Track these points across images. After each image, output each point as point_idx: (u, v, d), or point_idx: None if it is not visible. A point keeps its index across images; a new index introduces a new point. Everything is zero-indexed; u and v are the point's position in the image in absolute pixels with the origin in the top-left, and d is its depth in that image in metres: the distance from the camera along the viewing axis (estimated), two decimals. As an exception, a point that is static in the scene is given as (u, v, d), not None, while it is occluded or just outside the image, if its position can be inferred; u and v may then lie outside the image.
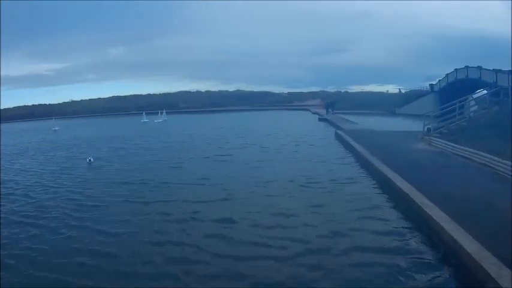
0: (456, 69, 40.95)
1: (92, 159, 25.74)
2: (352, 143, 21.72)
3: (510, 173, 12.05)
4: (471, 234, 7.46)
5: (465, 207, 9.37)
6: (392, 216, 10.88)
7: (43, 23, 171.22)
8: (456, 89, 37.45)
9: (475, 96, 26.00)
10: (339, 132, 28.22)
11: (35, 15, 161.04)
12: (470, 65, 36.31)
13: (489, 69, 30.46)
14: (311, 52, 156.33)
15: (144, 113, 71.45)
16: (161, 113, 72.40)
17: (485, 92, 25.56)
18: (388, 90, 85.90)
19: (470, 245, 7.06)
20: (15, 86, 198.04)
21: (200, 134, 38.45)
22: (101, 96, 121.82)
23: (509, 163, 12.29)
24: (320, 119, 48.20)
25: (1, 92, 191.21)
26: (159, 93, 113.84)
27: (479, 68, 33.33)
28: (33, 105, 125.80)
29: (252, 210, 12.10)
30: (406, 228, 9.93)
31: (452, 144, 17.51)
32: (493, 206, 9.35)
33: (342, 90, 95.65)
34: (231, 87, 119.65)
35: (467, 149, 15.95)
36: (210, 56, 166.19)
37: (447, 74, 44.76)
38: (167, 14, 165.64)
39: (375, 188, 14.22)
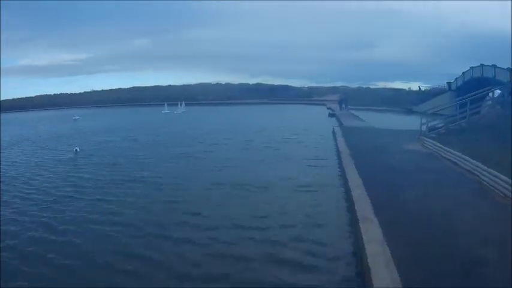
0: (472, 68, 38.25)
1: (78, 149, 25.49)
2: (339, 141, 19.88)
3: (494, 184, 10.14)
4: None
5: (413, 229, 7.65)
6: (332, 238, 8.95)
7: (67, 14, 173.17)
8: (471, 87, 34.78)
9: (479, 95, 23.49)
10: (336, 129, 26.27)
11: (59, 6, 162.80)
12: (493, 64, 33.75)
13: (503, 68, 28.02)
14: (338, 47, 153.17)
15: (166, 104, 71.42)
16: (181, 105, 72.65)
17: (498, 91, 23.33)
18: (410, 88, 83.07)
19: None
20: (38, 75, 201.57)
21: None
22: (122, 87, 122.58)
23: (495, 172, 10.34)
24: (330, 115, 46.11)
25: (24, 81, 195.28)
26: (179, 85, 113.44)
27: (494, 66, 30.74)
28: (54, 94, 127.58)
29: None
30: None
31: (441, 146, 15.47)
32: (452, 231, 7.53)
33: (364, 86, 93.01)
34: (256, 80, 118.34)
35: (454, 152, 13.92)
36: (235, 49, 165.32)
37: (463, 72, 41.96)
38: (193, 5, 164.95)
39: (338, 197, 12.10)
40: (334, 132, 25.21)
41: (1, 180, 17.86)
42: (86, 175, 17.76)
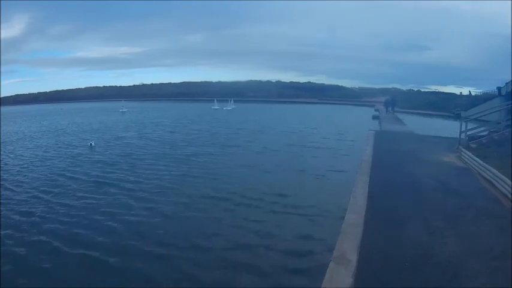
0: (526, 72, 34.26)
1: (93, 143, 25.35)
2: (367, 148, 17.41)
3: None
4: None
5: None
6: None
7: (123, 7, 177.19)
8: (524, 93, 30.93)
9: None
10: (370, 133, 23.63)
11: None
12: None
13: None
14: (393, 48, 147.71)
15: (215, 100, 72.14)
16: (230, 101, 72.27)
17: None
18: (461, 92, 78.04)
19: None
20: (91, 67, 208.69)
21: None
22: (172, 81, 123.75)
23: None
24: (374, 117, 43.11)
25: (77, 73, 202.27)
26: (229, 81, 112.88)
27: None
28: (104, 86, 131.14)
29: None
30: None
31: (478, 160, 12.73)
32: None
33: (415, 89, 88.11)
34: (308, 79, 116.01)
35: (491, 169, 11.28)
36: (289, 47, 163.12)
37: (516, 77, 37.71)
38: (248, 2, 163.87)
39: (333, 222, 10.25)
40: (368, 136, 22.60)
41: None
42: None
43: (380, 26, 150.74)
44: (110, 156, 22.89)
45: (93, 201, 13.97)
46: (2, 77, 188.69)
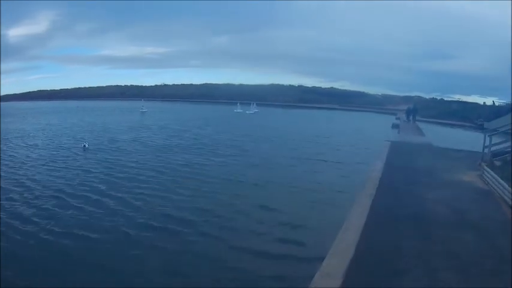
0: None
1: (86, 145, 24.38)
2: (378, 163, 15.54)
3: None
4: None
5: None
6: None
7: (149, 7, 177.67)
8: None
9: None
10: (386, 143, 21.69)
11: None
12: None
13: None
14: (418, 56, 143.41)
15: (238, 104, 70.45)
16: (252, 105, 70.72)
17: None
18: (485, 102, 74.36)
19: None
20: (116, 66, 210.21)
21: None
22: (194, 83, 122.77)
23: None
24: (393, 126, 40.85)
25: (102, 71, 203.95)
26: (251, 84, 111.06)
27: None
28: (125, 85, 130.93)
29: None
30: None
31: (502, 183, 10.75)
32: None
33: (438, 98, 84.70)
34: (331, 84, 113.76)
35: (517, 195, 9.40)
36: (312, 52, 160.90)
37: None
38: (274, 5, 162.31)
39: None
40: (381, 149, 20.64)
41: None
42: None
43: (405, 33, 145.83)
44: (91, 163, 21.18)
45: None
46: (26, 72, 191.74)
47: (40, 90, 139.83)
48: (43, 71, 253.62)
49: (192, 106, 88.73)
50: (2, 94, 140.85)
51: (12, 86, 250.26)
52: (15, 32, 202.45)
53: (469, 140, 33.15)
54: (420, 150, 20.16)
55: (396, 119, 53.06)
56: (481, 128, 48.94)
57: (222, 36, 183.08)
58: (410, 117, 43.41)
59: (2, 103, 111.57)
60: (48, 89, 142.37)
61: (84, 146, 25.06)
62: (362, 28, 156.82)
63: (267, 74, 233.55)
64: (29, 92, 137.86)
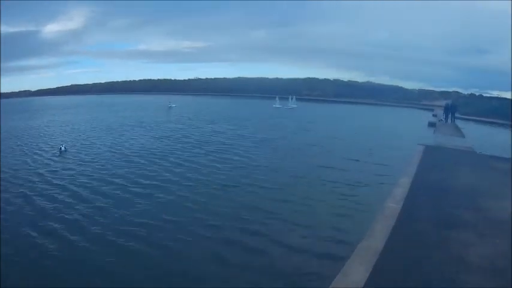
0: None
1: (64, 147, 21.28)
2: (404, 180, 11.52)
3: None
4: None
5: None
6: None
7: (187, 1, 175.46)
8: None
9: None
10: (419, 149, 17.47)
11: None
12: None
13: None
14: (455, 51, 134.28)
15: (277, 98, 66.31)
16: (291, 99, 66.86)
17: None
18: None
19: None
20: (153, 60, 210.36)
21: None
22: (227, 76, 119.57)
23: None
24: (429, 124, 36.02)
25: (137, 66, 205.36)
26: (286, 78, 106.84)
27: None
28: (158, 79, 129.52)
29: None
30: None
31: None
32: None
33: (477, 94, 77.62)
34: (368, 79, 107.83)
35: None
36: (350, 45, 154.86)
37: None
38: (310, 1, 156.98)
39: None
40: (411, 158, 16.20)
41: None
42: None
43: (443, 27, 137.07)
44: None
45: None
46: (62, 67, 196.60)
47: (73, 85, 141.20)
48: (79, 66, 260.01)
49: (225, 101, 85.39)
50: (36, 89, 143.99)
51: (49, 80, 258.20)
52: (51, 29, 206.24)
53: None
54: (460, 159, 15.80)
55: (433, 116, 48.05)
56: (524, 128, 43.88)
57: (259, 31, 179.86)
58: (449, 116, 36.09)
59: (35, 98, 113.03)
60: (83, 83, 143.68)
61: (61, 148, 21.97)
62: (399, 23, 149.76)
63: (303, 68, 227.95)
64: (62, 86, 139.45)
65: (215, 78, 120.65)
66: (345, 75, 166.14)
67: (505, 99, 68.16)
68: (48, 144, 24.78)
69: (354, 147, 24.15)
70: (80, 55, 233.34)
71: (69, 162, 19.15)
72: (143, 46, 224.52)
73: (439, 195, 9.92)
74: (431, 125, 34.90)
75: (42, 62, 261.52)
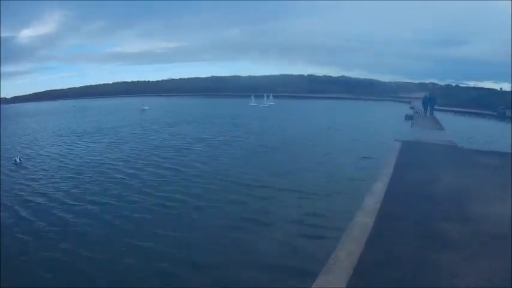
0: None
1: (19, 159, 18.88)
2: (378, 185, 9.83)
3: None
4: None
5: None
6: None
7: (159, 2, 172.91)
8: None
9: None
10: (395, 145, 15.85)
11: None
12: None
13: None
14: (430, 43, 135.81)
15: (252, 96, 64.64)
16: (267, 97, 65.08)
17: None
18: (502, 88, 68.27)
19: None
20: (127, 62, 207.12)
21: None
22: (200, 76, 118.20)
23: None
24: (407, 117, 34.72)
25: (111, 68, 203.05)
26: (260, 75, 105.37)
27: None
28: (132, 81, 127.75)
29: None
30: None
31: None
32: None
33: (453, 85, 77.84)
34: (342, 73, 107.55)
35: None
36: (327, 42, 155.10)
37: None
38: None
39: None
40: (387, 156, 14.33)
41: None
42: None
43: (417, 20, 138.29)
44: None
45: None
46: (40, 72, 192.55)
47: (48, 91, 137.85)
48: (54, 71, 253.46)
49: (199, 101, 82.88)
50: (12, 96, 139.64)
51: (24, 87, 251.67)
52: (25, 34, 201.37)
53: (495, 133, 27.40)
54: (441, 155, 14.17)
55: (410, 108, 47.11)
56: (503, 116, 43.28)
57: (232, 29, 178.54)
58: (428, 108, 34.67)
59: (13, 105, 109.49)
60: (58, 88, 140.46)
61: (16, 160, 19.74)
62: (374, 16, 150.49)
63: (277, 65, 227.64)
64: (38, 92, 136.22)
65: (188, 78, 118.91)
66: (319, 71, 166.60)
67: (482, 88, 68.71)
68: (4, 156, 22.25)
69: (321, 148, 21.50)
70: (55, 60, 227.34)
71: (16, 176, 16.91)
72: (118, 49, 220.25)
73: (419, 203, 8.15)
74: (409, 117, 33.61)
75: (17, 68, 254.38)
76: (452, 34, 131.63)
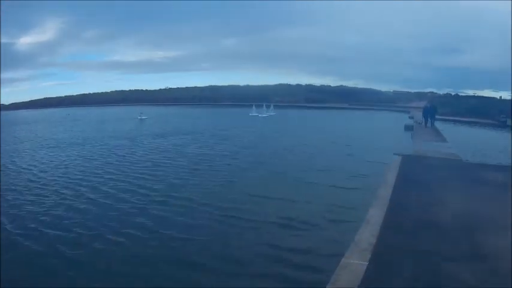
0: None
1: None
2: (375, 213, 8.34)
3: None
4: None
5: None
6: None
7: (160, 12, 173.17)
8: None
9: None
10: (394, 162, 14.42)
11: (151, 4, 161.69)
12: None
13: None
14: (428, 51, 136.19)
15: (254, 106, 64.28)
16: (267, 107, 64.47)
17: None
18: (501, 97, 67.79)
19: None
20: (126, 71, 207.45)
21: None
22: (198, 85, 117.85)
23: None
24: (406, 128, 33.37)
25: (110, 76, 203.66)
26: (257, 85, 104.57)
27: None
28: (130, 90, 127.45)
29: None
30: None
31: None
32: None
33: (453, 93, 77.00)
34: (341, 82, 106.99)
35: None
36: (326, 51, 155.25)
37: None
38: (282, 6, 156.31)
39: None
40: (384, 175, 12.03)
41: None
42: None
43: (415, 29, 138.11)
44: None
45: None
46: (39, 79, 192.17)
47: (46, 98, 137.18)
48: (54, 78, 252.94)
49: (198, 110, 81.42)
50: (11, 102, 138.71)
51: (23, 93, 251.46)
52: (25, 41, 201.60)
53: (499, 143, 26.09)
54: (446, 172, 12.59)
55: (409, 118, 45.87)
56: (504, 125, 42.13)
57: (231, 38, 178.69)
58: (428, 120, 31.49)
59: (9, 112, 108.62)
60: (55, 96, 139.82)
61: None
62: (372, 26, 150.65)
63: (275, 75, 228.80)
64: (35, 99, 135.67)
65: (186, 88, 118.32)
66: (317, 81, 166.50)
67: (482, 97, 68.04)
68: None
69: (313, 165, 19.78)
70: (55, 67, 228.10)
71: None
72: (116, 57, 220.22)
73: (424, 237, 6.74)
74: (408, 128, 32.28)
75: (17, 75, 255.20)
76: (451, 43, 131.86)
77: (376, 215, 7.90)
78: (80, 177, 17.70)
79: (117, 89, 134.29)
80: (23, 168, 20.47)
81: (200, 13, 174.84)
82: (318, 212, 11.82)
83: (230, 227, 10.69)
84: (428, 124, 30.64)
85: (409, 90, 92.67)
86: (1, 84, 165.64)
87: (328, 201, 12.92)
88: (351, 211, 11.27)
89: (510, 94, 64.51)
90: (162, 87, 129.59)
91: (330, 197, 13.54)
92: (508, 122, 42.58)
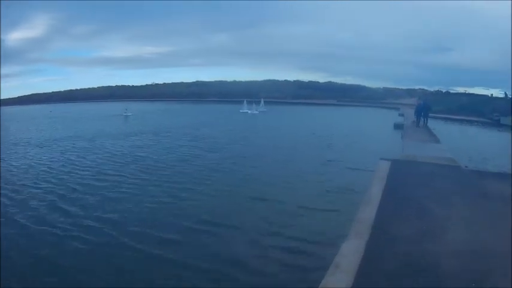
0: None
1: None
2: (352, 242, 6.09)
3: None
4: None
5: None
6: None
7: (148, 7, 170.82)
8: None
9: None
10: (381, 167, 12.21)
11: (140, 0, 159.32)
12: None
13: None
14: (418, 49, 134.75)
15: (245, 102, 61.87)
16: (256, 103, 62.93)
17: None
18: (492, 94, 67.23)
19: None
20: (115, 67, 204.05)
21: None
22: (184, 81, 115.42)
23: None
24: (396, 126, 31.31)
25: (100, 72, 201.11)
26: (245, 81, 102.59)
27: None
28: (116, 86, 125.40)
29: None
30: None
31: None
32: None
33: (443, 90, 75.61)
34: (329, 79, 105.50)
35: None
36: (315, 48, 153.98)
37: None
38: (269, 3, 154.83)
39: None
40: (369, 187, 9.82)
41: None
42: None
43: (405, 26, 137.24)
44: None
45: None
46: (27, 75, 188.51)
47: (33, 94, 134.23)
48: (44, 74, 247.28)
49: (184, 106, 79.23)
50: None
51: (12, 90, 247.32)
52: (14, 36, 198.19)
53: (495, 143, 24.22)
54: (443, 181, 10.43)
55: (399, 115, 44.10)
56: (497, 123, 40.46)
57: (220, 34, 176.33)
58: (421, 119, 28.27)
59: None
60: (44, 92, 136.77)
61: None
62: (362, 23, 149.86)
63: (264, 71, 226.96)
64: (23, 96, 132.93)
65: (172, 83, 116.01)
66: (306, 77, 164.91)
67: (473, 95, 67.00)
68: None
69: (281, 175, 16.66)
70: (44, 63, 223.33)
71: None
72: (106, 52, 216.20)
73: (420, 276, 4.60)
74: (398, 127, 30.22)
75: (6, 71, 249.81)
76: (441, 40, 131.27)
77: (350, 253, 5.67)
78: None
79: (104, 85, 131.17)
80: None
81: (189, 9, 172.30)
82: (273, 253, 8.99)
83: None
84: (422, 123, 28.09)
85: (400, 87, 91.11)
86: (0, 81, 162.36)
87: (291, 232, 10.10)
88: (319, 249, 8.81)
89: (502, 92, 62.90)
90: (149, 82, 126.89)
91: (295, 224, 10.73)
92: (502, 121, 41.26)
